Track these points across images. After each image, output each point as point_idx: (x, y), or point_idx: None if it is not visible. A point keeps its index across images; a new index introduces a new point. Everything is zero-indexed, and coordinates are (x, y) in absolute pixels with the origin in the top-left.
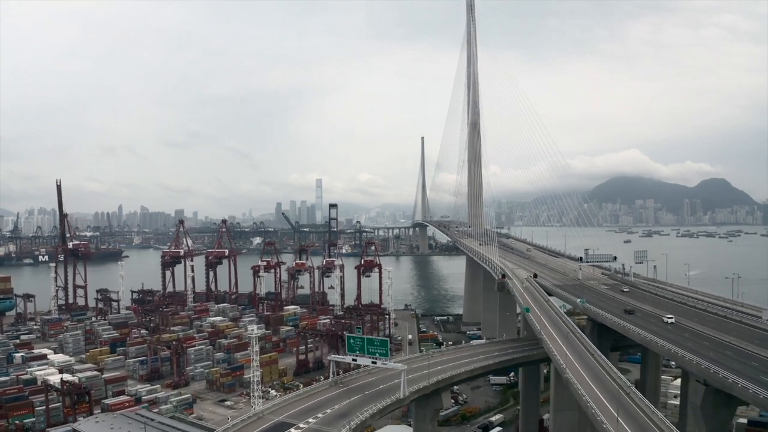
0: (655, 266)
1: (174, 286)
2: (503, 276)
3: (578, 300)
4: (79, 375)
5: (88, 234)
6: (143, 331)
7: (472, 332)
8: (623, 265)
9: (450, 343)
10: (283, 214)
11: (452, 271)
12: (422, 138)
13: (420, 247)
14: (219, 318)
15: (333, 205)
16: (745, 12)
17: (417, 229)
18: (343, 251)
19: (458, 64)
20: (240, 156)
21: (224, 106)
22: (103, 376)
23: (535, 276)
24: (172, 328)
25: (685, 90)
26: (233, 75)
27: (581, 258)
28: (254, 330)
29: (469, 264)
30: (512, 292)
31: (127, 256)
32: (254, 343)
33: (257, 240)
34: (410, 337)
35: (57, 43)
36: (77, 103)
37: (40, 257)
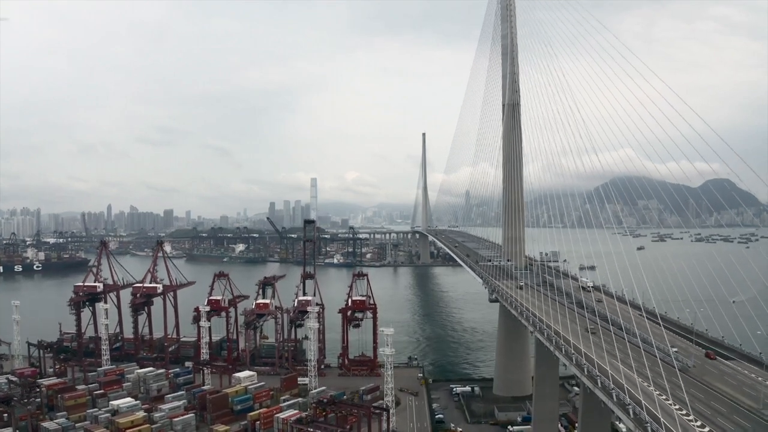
0: None
1: (96, 330)
2: None
3: None
4: None
5: (51, 241)
6: None
7: (517, 427)
8: None
9: None
10: (268, 218)
11: (462, 291)
12: (423, 134)
13: (421, 256)
14: (128, 401)
15: (310, 222)
16: (739, 3)
17: (417, 234)
18: (335, 261)
19: (480, 37)
20: (226, 154)
21: (207, 103)
22: None
23: None
24: (49, 425)
25: (681, 87)
26: (215, 72)
27: None
28: None
29: (504, 313)
30: None
31: (95, 266)
32: None
33: (240, 247)
34: None
35: (35, 41)
36: (56, 101)
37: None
